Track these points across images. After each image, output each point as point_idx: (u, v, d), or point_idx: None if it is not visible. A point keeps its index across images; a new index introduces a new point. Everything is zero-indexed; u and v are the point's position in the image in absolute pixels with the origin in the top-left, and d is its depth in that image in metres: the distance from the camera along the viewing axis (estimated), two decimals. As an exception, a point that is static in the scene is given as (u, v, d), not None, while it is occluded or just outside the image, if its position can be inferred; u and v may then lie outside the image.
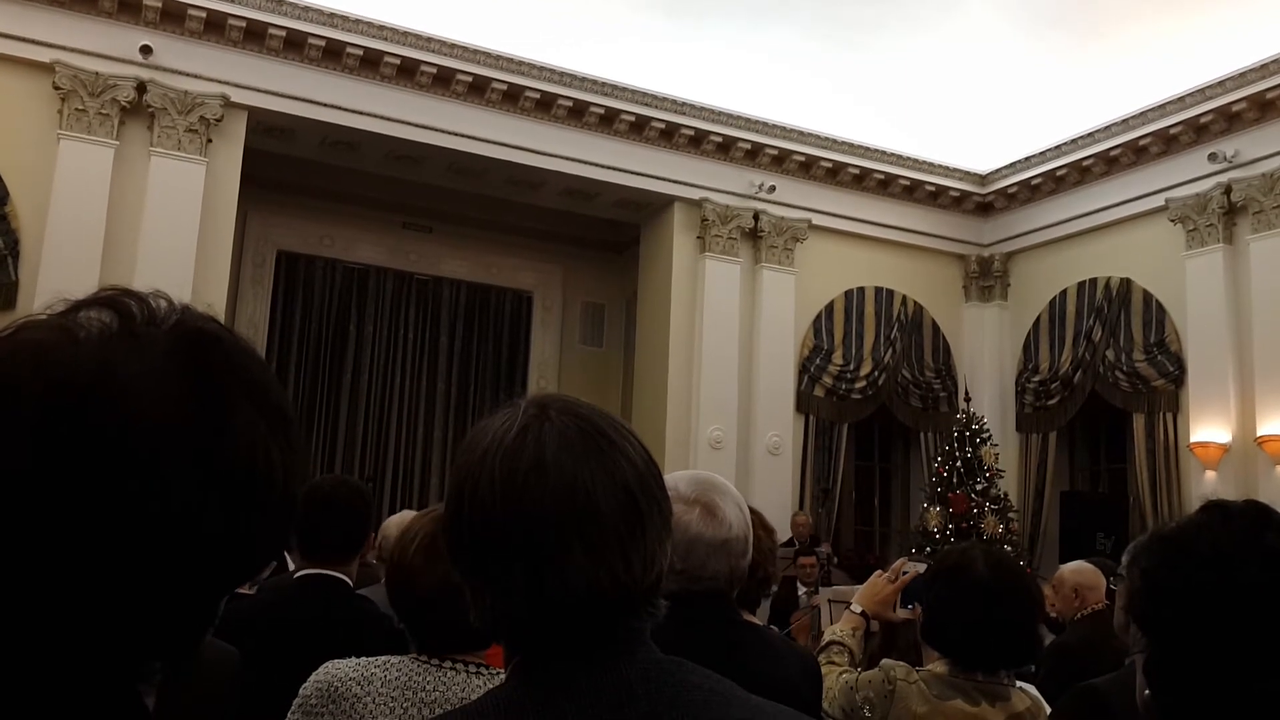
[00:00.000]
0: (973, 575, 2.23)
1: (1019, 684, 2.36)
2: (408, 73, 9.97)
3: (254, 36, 9.40)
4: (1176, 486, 10.11)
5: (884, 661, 2.35)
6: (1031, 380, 11.96)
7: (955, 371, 12.49)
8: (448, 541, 1.00)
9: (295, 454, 0.73)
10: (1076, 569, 4.30)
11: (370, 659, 1.73)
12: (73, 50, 8.76)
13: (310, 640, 2.39)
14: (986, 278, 12.72)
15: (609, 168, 10.93)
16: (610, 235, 12.89)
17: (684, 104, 10.97)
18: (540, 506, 0.93)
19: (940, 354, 12.50)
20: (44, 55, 8.70)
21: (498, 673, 1.69)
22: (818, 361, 11.69)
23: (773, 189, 11.51)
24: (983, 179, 12.48)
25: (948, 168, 12.30)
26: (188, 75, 9.17)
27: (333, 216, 11.99)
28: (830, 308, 11.93)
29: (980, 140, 11.61)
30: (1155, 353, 10.59)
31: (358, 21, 9.62)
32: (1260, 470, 9.49)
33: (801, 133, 11.52)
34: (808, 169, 11.78)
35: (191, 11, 9.09)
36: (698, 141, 11.23)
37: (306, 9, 9.44)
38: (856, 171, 11.94)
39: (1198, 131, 10.27)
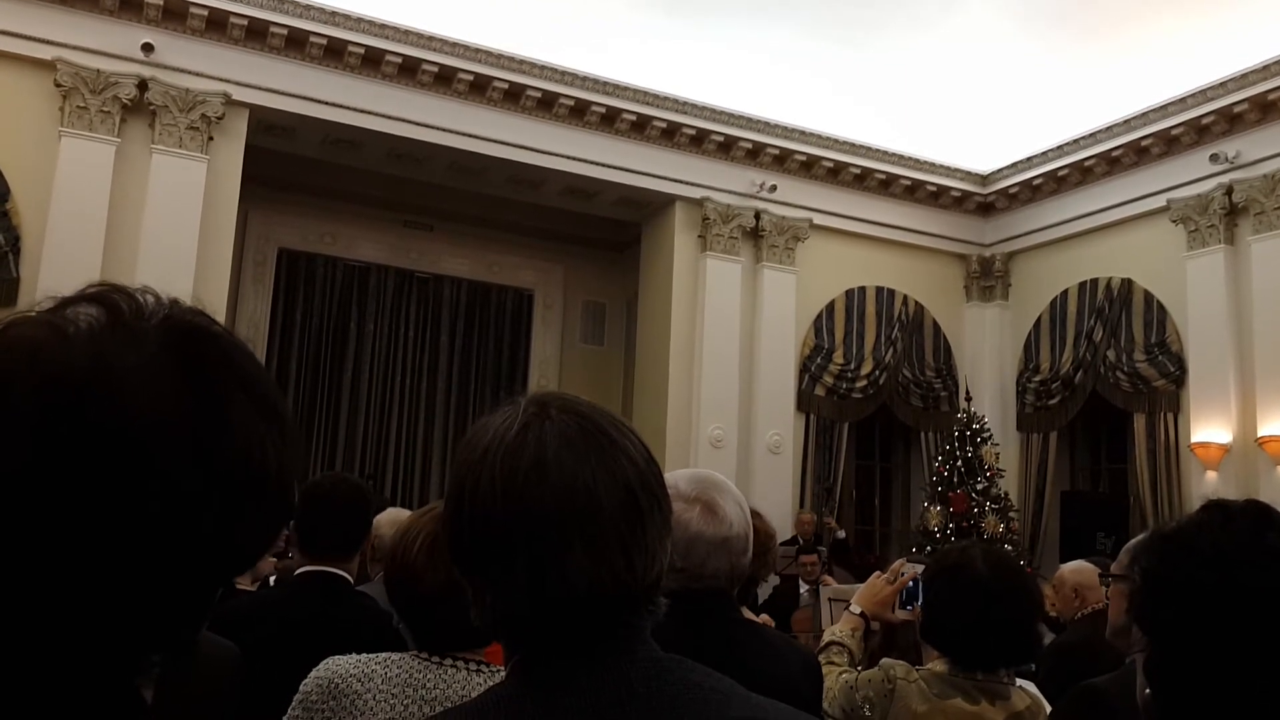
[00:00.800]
0: (972, 574, 2.24)
1: (1019, 683, 2.36)
2: (409, 71, 9.97)
3: (255, 34, 9.41)
4: (1177, 486, 10.11)
5: (883, 661, 2.35)
6: (1032, 380, 11.96)
7: (956, 371, 12.49)
8: (448, 539, 1.00)
9: (290, 447, 0.73)
10: (1076, 569, 4.30)
11: (371, 656, 1.73)
12: (74, 48, 8.76)
13: (311, 637, 2.40)
14: (987, 278, 12.72)
15: (610, 166, 10.93)
16: (611, 234, 12.89)
17: (685, 103, 10.97)
18: (541, 504, 0.93)
19: (941, 354, 12.50)
20: (46, 53, 8.70)
21: (498, 670, 1.69)
22: (818, 361, 11.69)
23: (774, 188, 11.51)
24: (984, 179, 12.48)
25: (949, 168, 12.30)
26: (189, 73, 9.17)
27: (334, 214, 12.00)
28: (831, 307, 11.93)
29: (981, 140, 11.60)
30: (1156, 353, 10.59)
31: (359, 20, 9.62)
32: (1261, 470, 9.49)
33: (803, 132, 11.52)
34: (809, 168, 11.78)
35: (193, 9, 9.09)
36: (699, 141, 11.23)
37: (308, 7, 9.44)
38: (858, 171, 11.93)
39: (1199, 132, 10.27)
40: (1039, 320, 12.04)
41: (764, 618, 6.99)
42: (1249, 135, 9.94)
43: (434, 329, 12.66)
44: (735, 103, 11.05)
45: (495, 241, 12.77)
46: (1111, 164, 11.20)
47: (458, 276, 12.74)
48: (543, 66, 10.34)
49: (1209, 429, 9.86)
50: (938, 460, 11.27)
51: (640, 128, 10.95)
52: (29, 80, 8.70)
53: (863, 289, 12.13)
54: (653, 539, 0.97)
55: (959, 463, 10.80)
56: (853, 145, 11.78)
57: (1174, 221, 10.52)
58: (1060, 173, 11.69)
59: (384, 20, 9.67)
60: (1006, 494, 11.00)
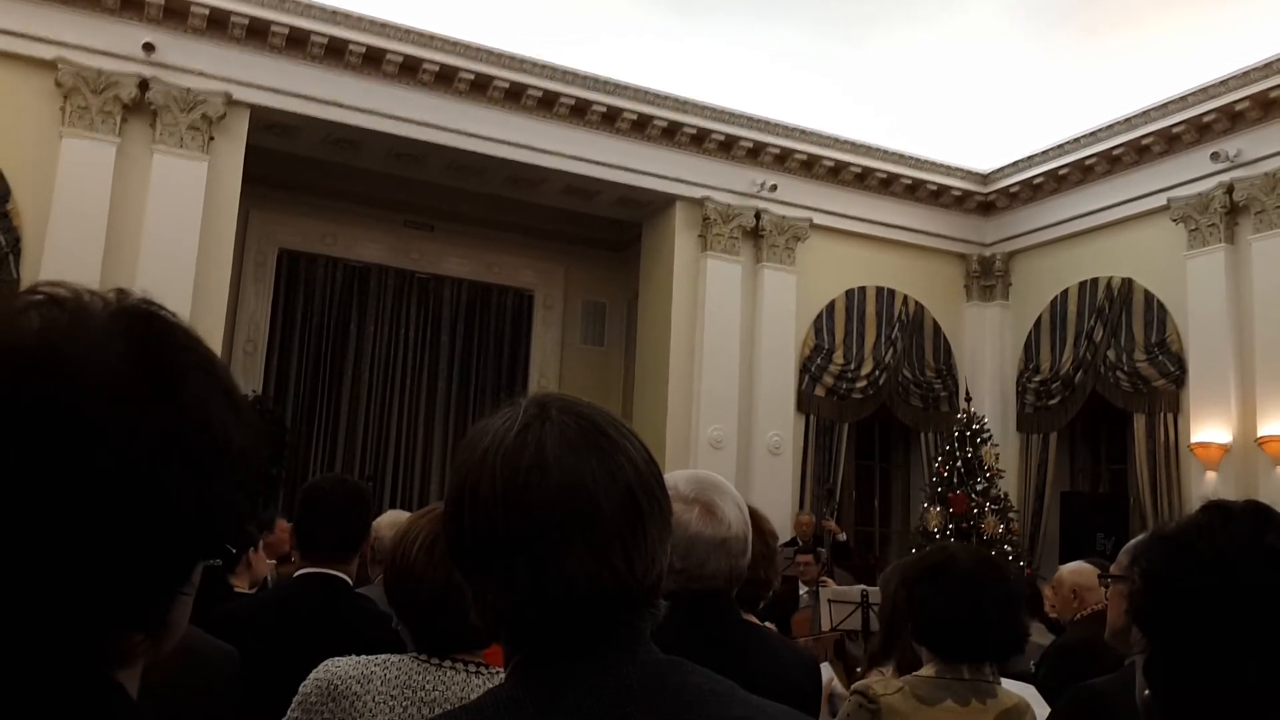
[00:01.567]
0: (954, 570, 2.29)
1: (1006, 681, 2.37)
2: (410, 70, 9.97)
3: (256, 34, 9.41)
4: (1177, 487, 10.11)
5: (855, 685, 2.39)
6: (1032, 380, 11.96)
7: (956, 371, 12.50)
8: (448, 541, 1.00)
9: (246, 425, 0.74)
10: (1075, 569, 4.30)
11: (370, 657, 1.73)
12: (75, 47, 8.76)
13: (310, 639, 2.40)
14: (988, 277, 12.72)
15: (610, 166, 10.93)
16: (612, 234, 12.89)
17: (686, 102, 10.97)
18: (541, 506, 0.93)
19: (941, 354, 12.50)
20: (47, 52, 8.71)
21: (497, 672, 1.69)
22: (818, 361, 11.69)
23: (774, 188, 11.51)
24: (984, 178, 12.48)
25: (949, 167, 12.30)
26: (190, 72, 9.18)
27: (334, 214, 12.00)
28: (831, 307, 11.93)
29: (982, 139, 11.61)
30: (1156, 353, 10.59)
31: (360, 19, 9.62)
32: (1261, 471, 9.49)
33: (803, 131, 11.53)
34: (809, 168, 11.78)
35: (194, 9, 9.10)
36: (699, 140, 11.23)
37: (309, 6, 9.44)
38: (858, 170, 11.94)
39: (1200, 131, 10.27)
40: (1039, 320, 12.04)
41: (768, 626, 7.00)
42: (1250, 133, 9.93)
43: (434, 329, 12.67)
44: (735, 102, 11.05)
45: (495, 241, 12.77)
46: (1112, 163, 11.20)
47: (458, 276, 12.75)
48: (543, 65, 10.34)
49: (1209, 429, 9.86)
50: (938, 461, 11.27)
51: (641, 127, 10.95)
52: (30, 80, 8.70)
53: (863, 289, 12.13)
54: (653, 540, 0.97)
55: (959, 463, 10.80)
56: (853, 144, 11.78)
57: (1174, 220, 10.52)
58: (1061, 171, 11.69)
59: (385, 19, 9.68)
60: (1006, 494, 11.00)
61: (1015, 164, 12.10)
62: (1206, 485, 9.65)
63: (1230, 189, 10.00)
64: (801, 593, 7.86)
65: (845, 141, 11.73)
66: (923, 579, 2.33)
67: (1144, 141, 10.78)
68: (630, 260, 12.64)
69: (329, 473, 10.19)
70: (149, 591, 0.70)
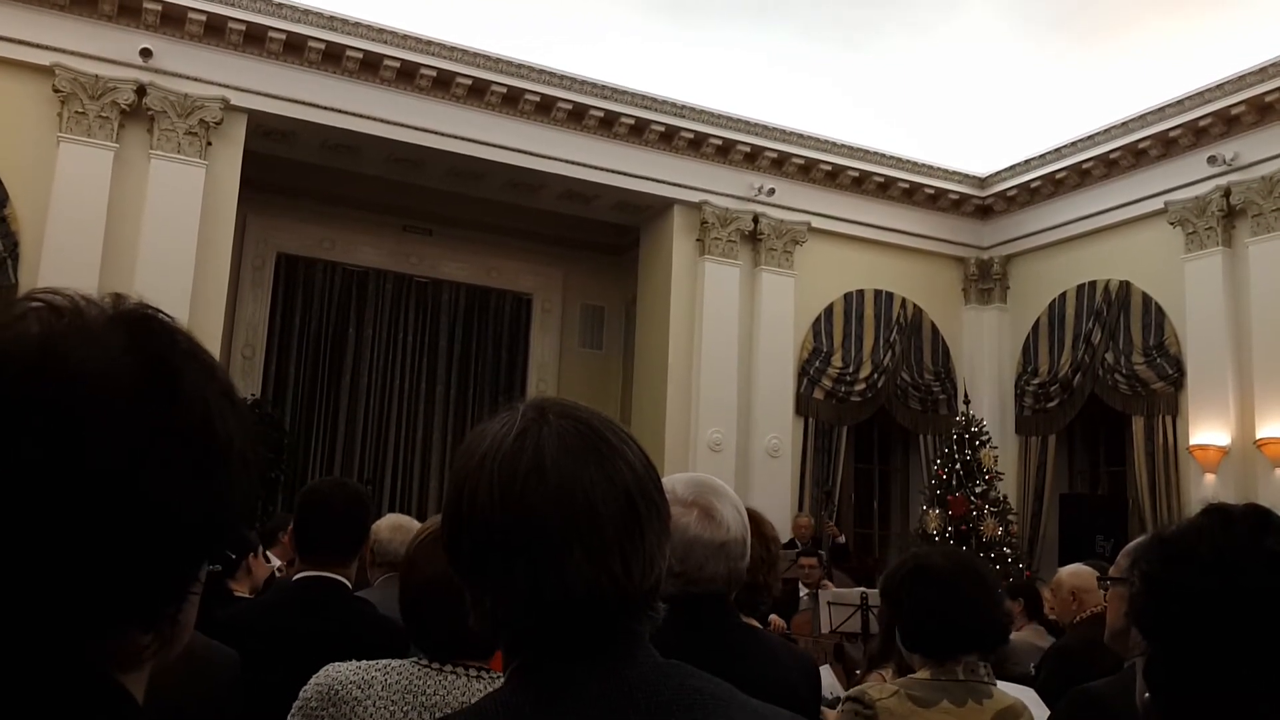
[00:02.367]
0: (931, 569, 2.33)
1: (1010, 683, 2.38)
2: (407, 76, 9.98)
3: (254, 40, 9.41)
4: (1176, 489, 10.12)
5: (849, 692, 2.40)
6: (1031, 383, 11.97)
7: (954, 374, 12.50)
8: (446, 545, 1.00)
9: (245, 423, 0.74)
10: (1074, 572, 4.30)
11: (371, 662, 1.73)
12: (73, 53, 8.77)
13: (309, 643, 2.39)
14: (986, 280, 12.73)
15: (608, 170, 10.94)
16: (610, 238, 12.90)
17: (683, 107, 10.98)
18: (540, 510, 0.93)
19: (939, 357, 12.51)
20: (44, 58, 8.71)
21: (499, 677, 1.69)
22: (817, 364, 11.70)
23: (772, 192, 11.52)
24: (982, 182, 12.49)
25: (947, 170, 12.31)
26: (188, 78, 9.18)
27: (332, 219, 12.00)
28: (830, 310, 11.94)
29: (980, 143, 11.62)
30: (1154, 355, 10.59)
31: (357, 25, 9.63)
32: (1259, 473, 9.50)
33: (801, 135, 11.54)
34: (807, 172, 11.79)
35: (191, 15, 9.10)
36: (697, 144, 11.24)
37: (306, 12, 9.45)
38: (856, 174, 11.95)
39: (1197, 134, 10.28)
40: (1037, 323, 12.05)
41: (774, 618, 7.00)
42: (1247, 137, 9.95)
43: (433, 333, 12.66)
44: (733, 106, 11.07)
45: (494, 246, 12.78)
46: (1109, 166, 11.22)
47: (456, 281, 12.75)
48: (541, 70, 10.35)
49: (1207, 431, 9.86)
50: (936, 463, 11.27)
51: (638, 131, 10.96)
52: (27, 85, 8.70)
53: (861, 292, 12.14)
54: (651, 544, 0.97)
55: (958, 466, 10.80)
56: (851, 148, 11.79)
57: (1172, 224, 10.53)
58: (1058, 175, 11.71)
59: (382, 25, 9.69)
60: (1005, 497, 11.00)
61: (1013, 168, 12.12)
62: (1205, 487, 9.65)
63: (1227, 192, 10.02)
64: (802, 595, 7.87)
65: (843, 145, 11.75)
66: (901, 587, 2.36)
67: (1141, 145, 10.79)
68: (629, 264, 12.64)
69: (328, 476, 10.18)
70: (157, 590, 0.70)
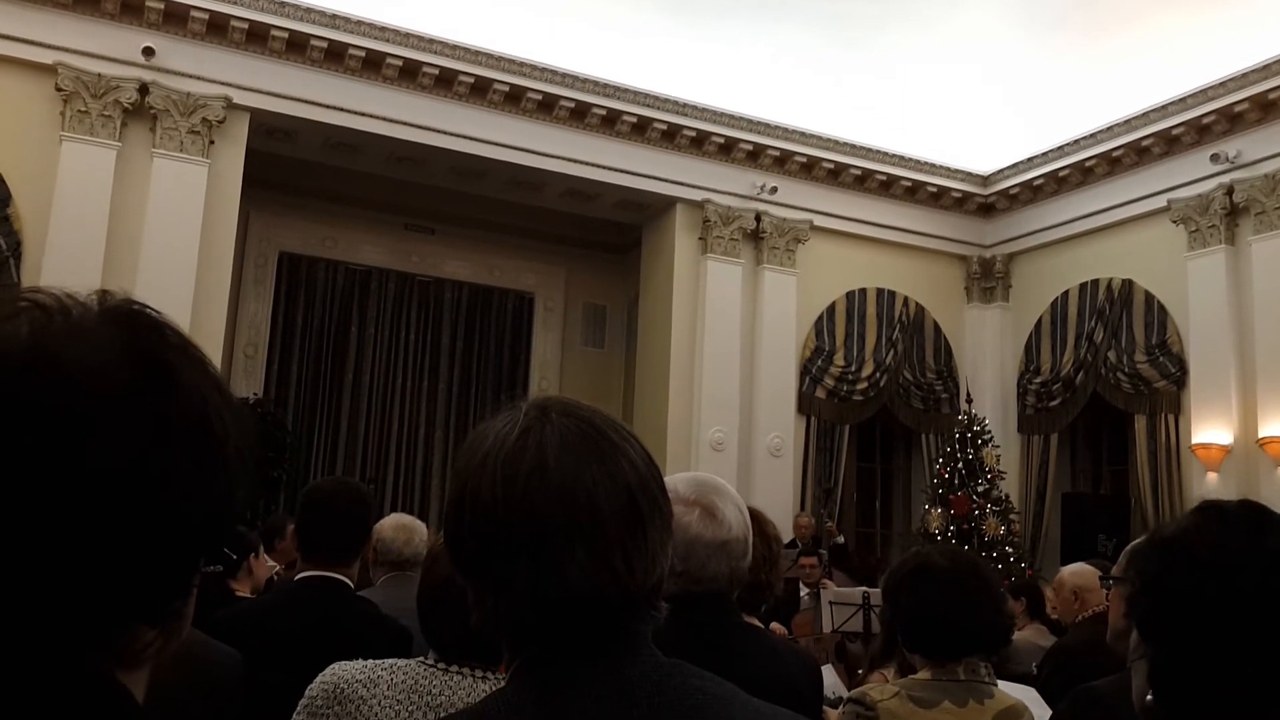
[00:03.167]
0: (931, 570, 2.32)
1: (1012, 683, 2.38)
2: (410, 74, 9.98)
3: (256, 38, 9.42)
4: (1178, 488, 10.11)
5: (850, 693, 2.39)
6: (1033, 382, 11.96)
7: (957, 373, 12.49)
8: (449, 544, 1.00)
9: (240, 417, 0.74)
10: (1076, 571, 4.30)
11: (377, 661, 1.73)
12: (75, 52, 8.77)
13: (311, 642, 2.40)
14: (988, 279, 12.72)
15: (611, 169, 10.94)
16: (612, 236, 12.89)
17: (686, 105, 10.98)
18: (542, 508, 0.93)
19: (942, 355, 12.50)
20: (46, 57, 8.71)
21: (504, 677, 1.69)
22: (819, 363, 11.69)
23: (774, 190, 11.52)
24: (984, 180, 12.48)
25: (950, 169, 12.30)
26: (190, 77, 9.19)
27: (335, 218, 12.01)
28: (832, 309, 11.93)
29: (982, 141, 11.61)
30: (1157, 354, 10.58)
31: (360, 23, 9.63)
32: (1262, 472, 9.49)
33: (803, 134, 11.53)
34: (809, 170, 11.78)
35: (194, 13, 9.11)
36: (699, 143, 11.24)
37: (308, 11, 9.45)
38: (858, 172, 11.94)
39: (1200, 132, 10.27)
40: (1039, 321, 12.04)
41: (775, 626, 6.99)
42: (1249, 135, 9.94)
43: (435, 332, 12.67)
44: (736, 104, 11.06)
45: (496, 244, 12.78)
46: (1112, 164, 11.21)
47: (459, 279, 12.75)
48: (543, 69, 10.35)
49: (1210, 430, 9.85)
50: (939, 462, 11.26)
51: (641, 130, 10.96)
52: (30, 84, 8.71)
53: (863, 291, 12.13)
54: (653, 543, 0.97)
55: (960, 465, 10.79)
56: (853, 146, 11.78)
57: (1175, 222, 10.52)
58: (1061, 173, 11.70)
59: (384, 23, 9.69)
60: (1007, 496, 10.99)
61: (1015, 166, 12.11)
62: (1208, 486, 9.64)
63: (1230, 190, 10.00)
64: (803, 594, 7.86)
65: (845, 144, 11.74)
66: (903, 587, 2.36)
67: (1144, 143, 10.78)
68: (631, 263, 12.64)
69: (330, 475, 10.19)
70: (164, 585, 0.70)
